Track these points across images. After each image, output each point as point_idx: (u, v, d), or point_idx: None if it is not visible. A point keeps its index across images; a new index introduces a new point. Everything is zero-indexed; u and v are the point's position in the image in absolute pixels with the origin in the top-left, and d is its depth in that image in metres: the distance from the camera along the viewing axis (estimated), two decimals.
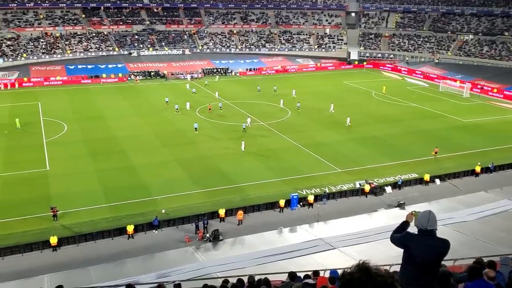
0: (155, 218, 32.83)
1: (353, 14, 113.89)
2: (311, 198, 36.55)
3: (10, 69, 79.72)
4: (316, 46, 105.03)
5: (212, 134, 52.24)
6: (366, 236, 27.36)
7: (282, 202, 35.61)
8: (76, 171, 41.40)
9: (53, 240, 29.91)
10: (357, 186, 39.33)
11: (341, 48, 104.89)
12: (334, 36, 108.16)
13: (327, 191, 38.25)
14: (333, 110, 61.63)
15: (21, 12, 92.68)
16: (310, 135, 52.30)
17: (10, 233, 31.40)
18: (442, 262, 5.77)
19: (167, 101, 64.41)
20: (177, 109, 60.38)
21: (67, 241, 30.87)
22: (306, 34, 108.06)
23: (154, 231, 32.67)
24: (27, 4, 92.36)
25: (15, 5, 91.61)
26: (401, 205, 35.60)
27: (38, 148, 46.69)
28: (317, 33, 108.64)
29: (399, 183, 40.12)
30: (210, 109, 61.16)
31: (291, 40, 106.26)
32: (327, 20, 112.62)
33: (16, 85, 75.00)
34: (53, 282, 21.79)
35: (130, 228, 31.62)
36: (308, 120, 58.38)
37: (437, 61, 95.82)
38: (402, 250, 5.51)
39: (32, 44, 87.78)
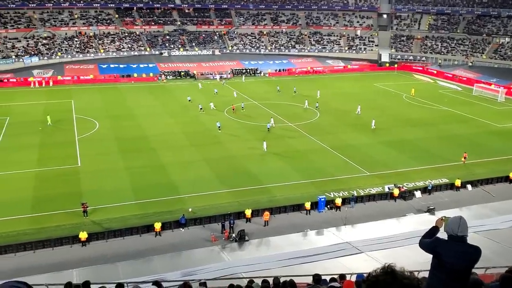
0: (182, 216, 33.13)
1: (385, 16, 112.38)
2: (338, 201, 36.20)
3: (45, 67, 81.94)
4: (346, 48, 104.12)
5: (239, 134, 52.39)
6: (394, 241, 26.97)
7: (308, 205, 35.38)
8: (107, 168, 42.18)
9: (83, 236, 30.54)
10: (386, 190, 38.73)
11: (372, 50, 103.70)
12: (365, 37, 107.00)
13: (355, 194, 37.83)
14: (359, 112, 61.02)
15: (57, 12, 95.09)
16: (338, 137, 51.85)
17: (42, 227, 32.21)
18: (473, 270, 5.60)
19: (189, 100, 65.57)
20: (201, 108, 60.81)
21: (96, 236, 31.45)
22: (337, 36, 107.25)
23: (181, 229, 32.97)
24: (62, 4, 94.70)
25: (51, 5, 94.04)
26: (430, 211, 34.92)
27: (70, 145, 47.78)
28: (348, 35, 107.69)
29: (429, 188, 39.33)
30: (233, 109, 61.42)
31: (321, 41, 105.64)
32: (358, 22, 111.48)
33: (51, 83, 76.99)
34: (82, 276, 22.25)
35: (157, 226, 32.01)
36: (337, 122, 57.90)
37: (471, 64, 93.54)
38: (431, 256, 5.38)
39: (66, 43, 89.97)
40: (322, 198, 36.26)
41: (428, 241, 5.50)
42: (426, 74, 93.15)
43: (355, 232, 31.40)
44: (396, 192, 37.95)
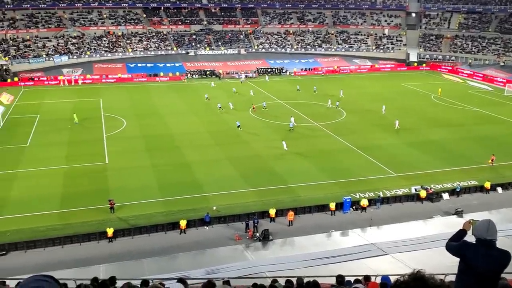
0: (207, 214, 33.32)
1: (413, 15, 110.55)
2: (364, 202, 35.81)
3: (74, 66, 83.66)
4: (373, 47, 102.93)
5: (264, 133, 52.36)
6: (420, 243, 26.58)
7: (332, 205, 35.10)
8: (133, 166, 42.78)
9: (110, 232, 31.04)
10: (413, 191, 38.12)
11: (399, 49, 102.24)
12: (393, 37, 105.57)
13: (381, 195, 37.34)
14: (384, 111, 60.24)
15: (86, 12, 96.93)
16: (365, 137, 51.29)
17: (70, 223, 32.89)
18: (502, 275, 5.44)
19: (207, 98, 66.53)
20: (220, 107, 60.97)
21: (123, 233, 31.93)
22: (364, 35, 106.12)
23: (205, 227, 33.16)
24: (92, 4, 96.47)
25: (81, 4, 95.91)
26: (458, 213, 34.22)
27: (98, 143, 48.63)
28: (375, 34, 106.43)
29: (457, 190, 38.50)
30: (254, 108, 61.38)
31: (348, 41, 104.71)
32: (386, 21, 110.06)
33: (80, 82, 78.52)
34: (108, 272, 22.62)
35: (183, 223, 32.27)
36: (363, 122, 57.26)
37: (502, 63, 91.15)
38: (458, 259, 5.25)
39: (95, 42, 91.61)
40: (348, 199, 35.92)
41: (456, 244, 5.37)
42: (455, 74, 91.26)
43: (380, 233, 31.03)
44: (423, 193, 37.29)
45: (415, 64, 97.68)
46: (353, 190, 38.27)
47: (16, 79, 76.62)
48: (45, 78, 78.58)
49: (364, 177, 41.14)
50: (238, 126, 53.24)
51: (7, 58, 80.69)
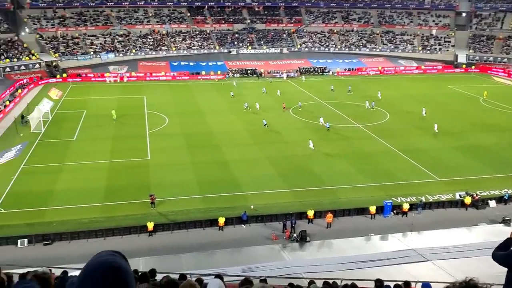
0: (244, 213, 33.44)
1: (463, 15, 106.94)
2: (405, 207, 34.99)
3: (120, 64, 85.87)
4: (420, 48, 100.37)
5: (304, 134, 51.96)
6: (463, 251, 25.75)
7: (372, 209, 34.46)
8: (174, 162, 43.47)
9: (150, 226, 31.69)
10: (457, 197, 36.90)
11: (447, 50, 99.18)
12: (441, 37, 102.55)
13: (423, 200, 36.37)
14: (425, 113, 58.64)
15: (133, 10, 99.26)
16: (408, 140, 50.10)
17: (113, 216, 33.80)
18: None
19: (232, 95, 67.29)
20: (246, 107, 60.76)
21: (162, 227, 32.54)
22: (410, 35, 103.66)
23: (243, 225, 33.30)
24: (138, 3, 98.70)
25: (128, 3, 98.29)
26: (506, 221, 32.89)
27: (141, 139, 49.71)
28: (422, 34, 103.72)
29: (505, 197, 36.95)
30: (284, 107, 61.15)
31: (394, 41, 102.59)
32: (434, 21, 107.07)
33: (125, 79, 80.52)
34: (148, 265, 23.03)
35: (221, 221, 32.53)
36: (407, 125, 55.90)
37: None
38: (506, 269, 5.01)
39: (140, 40, 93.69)
40: (389, 202, 35.20)
41: (503, 253, 5.14)
42: (507, 76, 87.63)
43: (421, 239, 30.26)
44: (468, 200, 36.04)
45: (464, 66, 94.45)
46: (394, 194, 37.45)
47: (64, 75, 79.39)
48: (92, 75, 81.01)
49: (406, 181, 40.20)
50: (265, 124, 53.21)
51: (57, 55, 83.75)
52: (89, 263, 2.50)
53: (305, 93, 71.75)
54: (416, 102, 66.48)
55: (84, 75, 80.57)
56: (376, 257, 25.97)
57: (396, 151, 46.84)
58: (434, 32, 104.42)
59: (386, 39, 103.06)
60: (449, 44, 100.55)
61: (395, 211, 35.17)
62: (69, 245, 30.60)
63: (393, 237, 30.80)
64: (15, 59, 78.10)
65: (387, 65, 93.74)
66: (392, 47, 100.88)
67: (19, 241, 30.33)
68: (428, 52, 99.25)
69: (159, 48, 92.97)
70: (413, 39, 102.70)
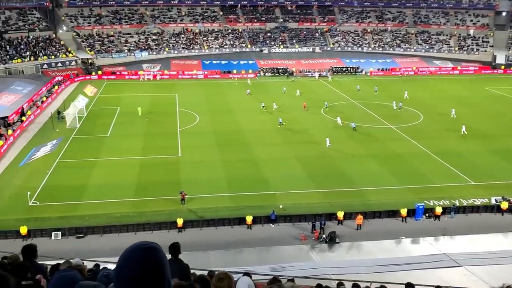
0: (273, 212, 33.35)
1: (503, 14, 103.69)
2: (438, 210, 34.18)
3: (153, 62, 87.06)
4: (456, 48, 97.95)
5: (335, 134, 51.43)
6: (498, 257, 25.02)
7: (404, 211, 33.82)
8: (204, 160, 43.76)
9: (180, 222, 32.02)
10: (493, 202, 35.81)
11: (485, 51, 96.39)
12: (479, 37, 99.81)
13: (457, 204, 35.45)
14: (454, 115, 57.19)
15: (167, 9, 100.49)
16: (442, 142, 48.94)
17: (144, 211, 34.32)
18: None
19: (248, 93, 68.31)
20: (263, 106, 60.29)
21: (192, 224, 32.84)
22: (447, 35, 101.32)
23: (271, 225, 33.22)
24: (172, 2, 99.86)
25: (162, 2, 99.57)
26: None
27: (173, 136, 50.26)
28: (459, 34, 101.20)
29: None
30: (305, 107, 60.73)
31: (429, 41, 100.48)
32: (471, 21, 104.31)
33: (158, 77, 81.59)
34: None
35: (249, 219, 32.55)
36: (441, 126, 54.59)
37: None
38: None
39: (174, 39, 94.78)
40: (421, 205, 34.47)
41: None
42: None
43: (454, 244, 29.56)
44: (504, 205, 34.92)
45: (503, 67, 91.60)
46: (427, 197, 36.64)
47: (99, 72, 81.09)
48: (126, 73, 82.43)
49: (439, 183, 39.27)
50: (281, 123, 53.19)
51: (92, 53, 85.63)
52: (128, 247, 2.71)
53: (337, 93, 71.03)
54: (450, 103, 64.88)
55: (118, 73, 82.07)
56: (407, 260, 25.52)
57: (429, 153, 45.84)
58: (471, 32, 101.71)
59: (421, 39, 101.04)
60: (487, 45, 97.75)
61: (427, 215, 34.42)
62: (100, 239, 31.22)
63: (425, 241, 30.18)
64: (53, 56, 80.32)
65: (421, 65, 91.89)
66: (427, 47, 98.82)
67: (53, 233, 31.17)
68: (465, 52, 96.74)
69: (191, 47, 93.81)
70: (449, 39, 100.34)
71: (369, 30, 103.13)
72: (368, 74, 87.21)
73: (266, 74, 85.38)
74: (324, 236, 31.34)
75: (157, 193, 36.91)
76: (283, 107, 61.22)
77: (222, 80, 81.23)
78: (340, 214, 33.29)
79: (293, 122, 55.65)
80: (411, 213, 34.31)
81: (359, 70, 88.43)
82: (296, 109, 60.79)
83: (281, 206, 34.71)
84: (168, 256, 7.38)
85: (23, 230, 30.71)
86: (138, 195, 36.68)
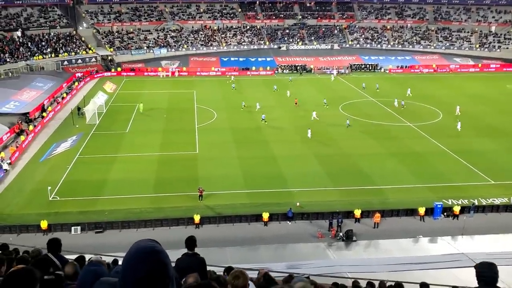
0: (290, 209, 33.38)
1: None
2: (457, 209, 33.81)
3: (172, 59, 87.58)
4: (477, 45, 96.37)
5: (355, 132, 51.16)
6: None
7: (422, 210, 33.53)
8: (221, 156, 43.96)
9: (197, 218, 32.27)
10: None
11: (507, 48, 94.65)
12: (501, 34, 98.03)
13: (476, 203, 35.00)
14: (459, 112, 56.60)
15: (185, 6, 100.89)
16: (462, 141, 48.33)
17: (161, 207, 34.68)
18: None
19: (275, 89, 68.86)
20: (259, 110, 58.95)
21: (209, 220, 33.07)
22: (468, 32, 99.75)
23: (288, 222, 33.25)
24: None
25: None
26: None
27: (191, 133, 50.59)
28: (481, 31, 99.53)
29: None
30: (296, 103, 60.81)
31: (450, 38, 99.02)
32: (493, 17, 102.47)
33: (176, 74, 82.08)
34: None
35: (265, 216, 32.65)
36: (462, 125, 53.81)
37: None
38: None
39: (192, 36, 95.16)
40: (439, 204, 34.12)
41: None
42: None
43: (472, 243, 29.22)
44: None
45: None
46: (445, 196, 36.26)
47: (119, 69, 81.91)
48: (145, 69, 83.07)
49: (458, 182, 38.83)
50: (263, 119, 53.80)
51: (112, 49, 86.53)
52: (132, 247, 2.87)
53: (355, 90, 70.55)
54: (472, 101, 63.99)
55: (137, 69, 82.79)
56: (424, 260, 25.28)
57: (448, 152, 45.30)
58: (493, 28, 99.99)
59: (441, 36, 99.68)
60: (509, 42, 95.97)
61: (445, 214, 34.07)
62: (119, 234, 31.65)
63: (443, 240, 29.88)
64: (73, 53, 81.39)
65: (441, 62, 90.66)
66: (448, 44, 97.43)
67: (72, 228, 31.72)
68: (486, 49, 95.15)
69: (209, 44, 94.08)
70: (470, 36, 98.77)
71: (388, 27, 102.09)
72: (387, 71, 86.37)
73: (284, 71, 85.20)
74: (341, 234, 31.27)
75: (175, 189, 37.26)
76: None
77: (240, 77, 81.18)
78: (358, 212, 33.17)
79: (310, 119, 55.48)
80: (429, 212, 34.01)
81: (378, 67, 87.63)
82: (319, 106, 60.32)
83: (298, 204, 34.72)
84: (184, 250, 7.53)
85: (44, 224, 31.33)
86: (156, 191, 37.07)
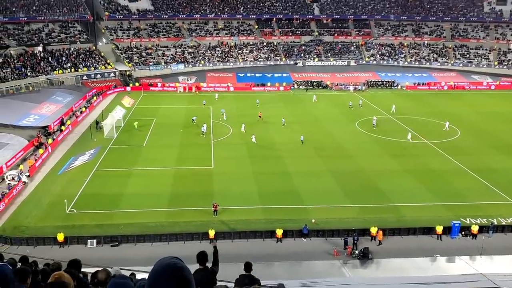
0: (305, 226, 33.17)
1: None
2: (475, 229, 33.21)
3: (189, 74, 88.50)
4: (496, 63, 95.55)
5: (371, 148, 50.89)
6: None
7: (439, 229, 33.02)
8: (237, 172, 44.03)
9: (211, 233, 32.21)
10: None
11: None
12: None
13: (495, 222, 34.37)
14: (447, 128, 56.57)
15: (203, 23, 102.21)
16: (480, 159, 47.68)
17: (176, 221, 34.76)
18: None
19: (257, 104, 69.77)
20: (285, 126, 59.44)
21: (223, 235, 32.95)
22: (486, 49, 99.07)
23: (303, 239, 33.02)
24: (208, 15, 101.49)
25: (199, 16, 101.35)
26: None
27: (206, 148, 50.82)
28: (499, 48, 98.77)
29: None
30: (260, 117, 61.42)
31: (467, 55, 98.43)
32: None
33: (193, 89, 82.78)
34: None
35: (279, 232, 32.47)
36: (479, 143, 53.23)
37: None
38: None
39: (209, 52, 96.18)
40: (457, 223, 33.57)
41: None
42: None
43: (492, 264, 28.63)
44: None
45: None
46: (464, 214, 35.68)
47: (137, 84, 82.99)
48: (162, 84, 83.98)
49: (477, 201, 38.22)
50: (203, 132, 54.50)
51: (130, 65, 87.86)
52: (157, 264, 2.99)
53: (371, 107, 70.31)
54: (490, 119, 63.25)
55: (155, 85, 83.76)
56: (442, 279, 24.80)
57: (467, 170, 44.71)
58: None
59: (459, 53, 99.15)
60: None
61: (463, 233, 33.49)
62: (134, 248, 31.78)
63: (460, 260, 29.38)
64: (92, 68, 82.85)
65: (459, 80, 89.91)
66: (465, 61, 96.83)
67: (88, 241, 31.94)
68: (505, 67, 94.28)
69: (226, 60, 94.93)
70: (488, 53, 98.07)
71: (405, 44, 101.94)
72: (404, 88, 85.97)
73: (300, 87, 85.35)
74: (357, 252, 30.94)
75: (190, 203, 37.35)
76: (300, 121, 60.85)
77: (256, 93, 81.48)
78: (374, 230, 32.79)
79: (327, 135, 55.37)
80: (447, 230, 33.47)
81: (395, 84, 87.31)
82: (337, 122, 60.30)
83: (313, 221, 34.50)
84: (197, 266, 7.58)
85: (60, 237, 31.63)
86: (171, 205, 37.20)
